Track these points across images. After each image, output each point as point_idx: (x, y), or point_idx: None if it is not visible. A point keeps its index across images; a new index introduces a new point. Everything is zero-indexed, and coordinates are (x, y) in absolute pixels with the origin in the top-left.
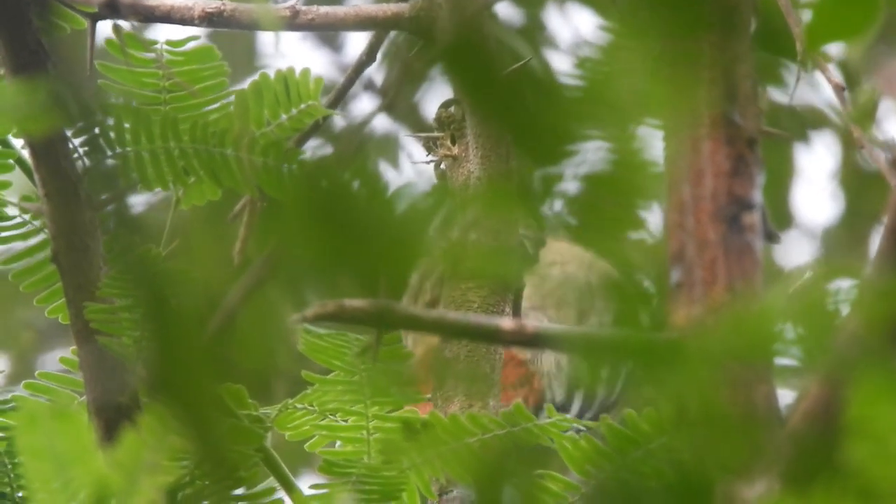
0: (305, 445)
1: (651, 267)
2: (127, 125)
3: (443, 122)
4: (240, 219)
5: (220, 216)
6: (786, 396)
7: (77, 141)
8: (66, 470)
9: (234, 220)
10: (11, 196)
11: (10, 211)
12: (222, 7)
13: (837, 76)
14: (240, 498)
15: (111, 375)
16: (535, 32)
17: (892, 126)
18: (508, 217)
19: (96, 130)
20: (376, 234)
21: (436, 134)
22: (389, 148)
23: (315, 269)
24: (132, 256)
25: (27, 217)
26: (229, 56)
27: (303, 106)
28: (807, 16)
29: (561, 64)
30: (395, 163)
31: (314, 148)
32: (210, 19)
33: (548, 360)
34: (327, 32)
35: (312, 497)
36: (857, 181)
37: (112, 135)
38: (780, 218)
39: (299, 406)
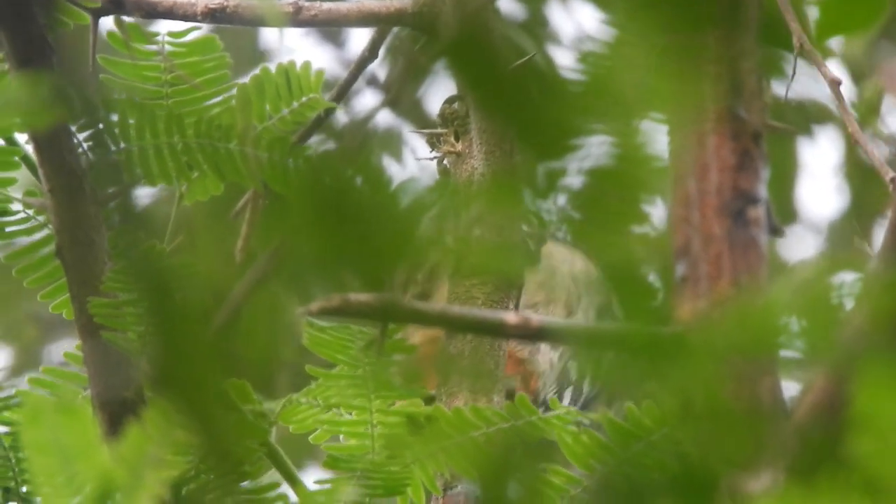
0: (310, 438)
1: (655, 261)
2: (131, 120)
3: (446, 118)
4: (243, 214)
5: (225, 211)
6: (791, 390)
7: (81, 136)
8: (70, 464)
9: (237, 216)
10: (15, 192)
11: (14, 206)
12: (225, 3)
13: (834, 71)
14: (244, 492)
15: (115, 370)
16: (538, 27)
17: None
18: (512, 213)
19: (100, 125)
20: (380, 228)
21: (439, 130)
22: (393, 143)
23: (319, 264)
24: (136, 251)
25: (31, 212)
26: (233, 52)
27: (304, 99)
28: (810, 10)
29: (564, 59)
30: (398, 158)
31: (318, 143)
32: (213, 15)
33: (543, 360)
34: (330, 28)
35: (317, 491)
36: (862, 175)
37: (116, 130)
38: (785, 212)
39: (303, 400)
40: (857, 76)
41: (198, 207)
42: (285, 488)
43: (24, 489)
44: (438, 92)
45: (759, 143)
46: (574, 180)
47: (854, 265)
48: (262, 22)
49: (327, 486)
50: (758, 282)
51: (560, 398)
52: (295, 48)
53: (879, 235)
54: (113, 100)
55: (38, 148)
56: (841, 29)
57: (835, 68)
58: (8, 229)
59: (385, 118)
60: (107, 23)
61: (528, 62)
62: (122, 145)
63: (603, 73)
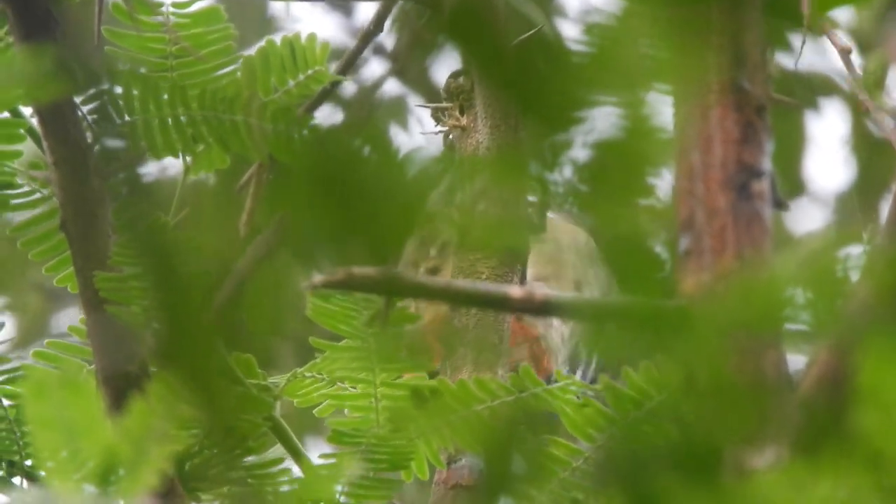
0: (314, 411)
1: (661, 233)
2: (135, 92)
3: (451, 92)
4: (248, 187)
5: (230, 185)
6: (796, 364)
7: (86, 109)
8: (74, 439)
9: (242, 189)
10: (20, 165)
11: (19, 179)
12: None
13: (844, 40)
14: (249, 467)
15: (120, 344)
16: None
17: None
18: (517, 186)
19: (105, 98)
20: (386, 201)
21: (444, 104)
22: (400, 113)
23: (324, 237)
24: (141, 225)
25: (35, 185)
26: (240, 23)
27: (310, 72)
28: None
29: (570, 30)
30: (405, 128)
31: (324, 114)
32: None
33: (555, 335)
34: None
35: (321, 466)
36: (869, 148)
37: (121, 102)
38: (792, 185)
39: (308, 374)
40: (865, 48)
41: (203, 181)
42: (290, 463)
43: (29, 463)
44: (446, 63)
45: (763, 115)
46: (580, 153)
47: (860, 238)
48: None
49: (332, 460)
50: (761, 255)
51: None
52: (302, 17)
53: (886, 208)
54: (117, 72)
55: (42, 121)
56: (841, 1)
57: (838, 38)
58: (12, 202)
59: (392, 88)
60: None
61: (534, 34)
62: (127, 118)
63: (609, 45)
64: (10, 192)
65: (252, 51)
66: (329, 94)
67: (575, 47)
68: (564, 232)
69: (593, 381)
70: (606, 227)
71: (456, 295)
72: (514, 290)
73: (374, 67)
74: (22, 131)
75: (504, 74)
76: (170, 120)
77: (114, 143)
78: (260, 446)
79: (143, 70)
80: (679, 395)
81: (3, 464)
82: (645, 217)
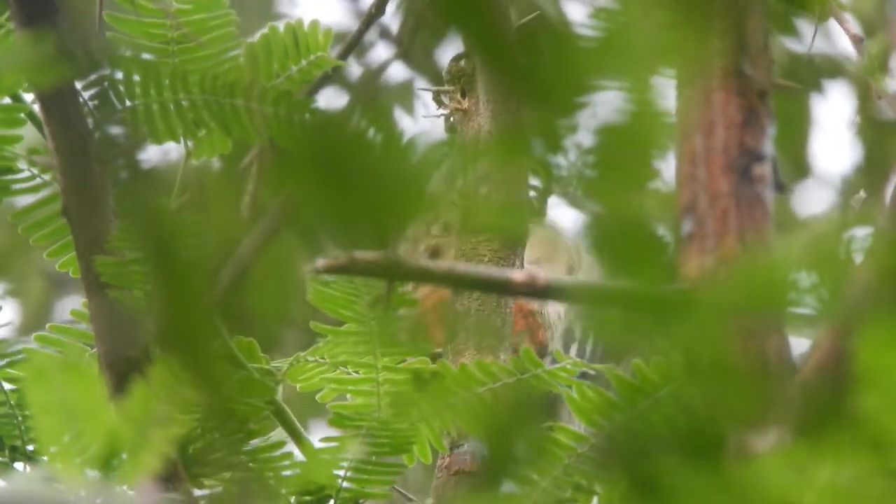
0: (317, 396)
1: (665, 217)
2: (136, 78)
3: (453, 75)
4: (250, 171)
5: (232, 169)
6: (799, 346)
7: (87, 94)
8: (76, 423)
9: (244, 172)
10: (22, 150)
11: (20, 164)
12: None
13: (855, 26)
14: (250, 451)
15: (122, 329)
16: None
17: None
18: (519, 170)
19: (106, 84)
20: (388, 184)
21: (446, 88)
22: (406, 97)
23: (326, 221)
24: (143, 209)
25: (36, 170)
26: (239, 9)
27: (312, 58)
28: None
29: (575, 13)
30: (411, 112)
31: (327, 98)
32: None
33: (552, 311)
34: None
35: (323, 450)
36: (875, 131)
37: (122, 88)
38: (798, 168)
39: (310, 359)
40: (869, 32)
41: (205, 165)
42: (292, 447)
43: (31, 448)
44: (451, 47)
45: (766, 100)
46: (583, 136)
47: (864, 221)
48: None
49: (333, 444)
50: (763, 239)
51: (566, 352)
52: (305, 1)
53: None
54: (119, 57)
55: (44, 106)
56: None
57: (850, 24)
58: (14, 187)
59: (397, 72)
60: None
61: (537, 17)
62: (128, 103)
63: (613, 28)
64: (11, 177)
65: (253, 37)
66: (331, 78)
67: (579, 31)
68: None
69: (590, 360)
70: (609, 211)
71: (458, 279)
72: (517, 274)
73: (379, 51)
74: (23, 116)
75: (506, 58)
76: (171, 105)
77: (115, 128)
78: (262, 430)
79: (144, 56)
80: (683, 379)
81: (6, 449)
82: (648, 201)
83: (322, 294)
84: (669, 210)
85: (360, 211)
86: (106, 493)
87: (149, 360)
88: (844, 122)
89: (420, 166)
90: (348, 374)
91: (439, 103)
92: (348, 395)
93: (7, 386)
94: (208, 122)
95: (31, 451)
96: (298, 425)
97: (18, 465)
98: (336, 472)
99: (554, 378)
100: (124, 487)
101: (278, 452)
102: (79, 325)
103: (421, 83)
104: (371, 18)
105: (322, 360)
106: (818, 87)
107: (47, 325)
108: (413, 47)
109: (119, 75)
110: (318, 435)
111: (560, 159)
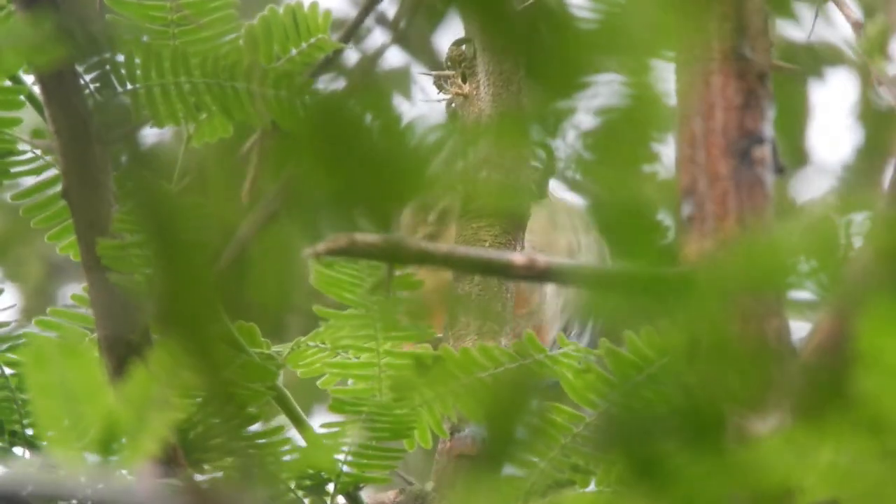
0: (318, 383)
1: (665, 200)
2: (137, 60)
3: (454, 60)
4: (251, 154)
5: (232, 152)
6: (798, 329)
7: (87, 76)
8: (76, 407)
9: (245, 155)
10: (23, 132)
11: (21, 146)
12: None
13: (856, 12)
14: (251, 435)
15: (122, 312)
16: None
17: None
18: (519, 153)
19: (106, 66)
20: (389, 167)
21: (447, 72)
22: (403, 82)
23: (327, 203)
24: (143, 192)
25: (38, 153)
26: None
27: (312, 40)
28: None
29: None
30: (408, 97)
31: (327, 81)
32: None
33: (551, 305)
34: None
35: (324, 435)
36: (875, 116)
37: (122, 70)
38: (797, 154)
39: (311, 344)
40: (868, 14)
41: (206, 148)
42: (293, 432)
43: (30, 432)
44: (449, 32)
45: (765, 82)
46: (583, 119)
47: (864, 205)
48: None
49: (334, 429)
50: (763, 221)
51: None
52: None
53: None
54: (119, 40)
55: (44, 88)
56: None
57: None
58: (14, 169)
59: (396, 57)
60: None
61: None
62: (129, 86)
63: (613, 11)
64: (11, 158)
65: (253, 20)
66: (331, 62)
67: (579, 14)
68: (559, 199)
69: (590, 345)
70: (609, 194)
71: (459, 262)
72: (517, 257)
73: (377, 37)
74: (22, 97)
75: (509, 40)
76: (172, 88)
77: (116, 110)
78: (263, 415)
79: (144, 38)
80: (682, 360)
81: (5, 433)
82: (648, 184)
83: (325, 277)
84: (669, 193)
85: (361, 192)
86: (105, 478)
87: (149, 344)
88: (844, 109)
89: (420, 148)
90: (349, 359)
91: (440, 88)
92: (350, 381)
93: (7, 370)
94: (210, 105)
95: (31, 436)
96: (300, 411)
97: (18, 450)
98: (336, 456)
99: (556, 364)
100: (124, 471)
101: (278, 437)
102: (79, 308)
103: (418, 68)
104: (371, 3)
105: (323, 346)
106: (817, 72)
107: (48, 309)
108: (409, 32)
109: (120, 58)
110: (320, 419)
111: (560, 142)
